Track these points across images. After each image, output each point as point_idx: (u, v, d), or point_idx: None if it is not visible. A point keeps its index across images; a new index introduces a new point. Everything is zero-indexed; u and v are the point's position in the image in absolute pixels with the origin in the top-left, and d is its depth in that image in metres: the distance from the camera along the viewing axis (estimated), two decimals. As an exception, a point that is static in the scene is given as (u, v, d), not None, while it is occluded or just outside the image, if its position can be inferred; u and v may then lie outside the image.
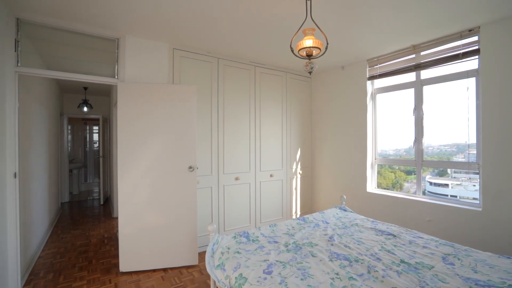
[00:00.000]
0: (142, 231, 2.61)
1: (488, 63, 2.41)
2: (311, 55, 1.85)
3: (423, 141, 2.99)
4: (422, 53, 2.91)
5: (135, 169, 2.60)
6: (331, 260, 1.65)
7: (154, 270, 2.64)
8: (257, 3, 2.07)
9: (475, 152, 2.60)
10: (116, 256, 2.91)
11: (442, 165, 2.95)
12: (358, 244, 1.91)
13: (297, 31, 1.90)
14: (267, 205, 3.74)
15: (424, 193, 3.03)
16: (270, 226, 2.31)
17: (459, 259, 1.65)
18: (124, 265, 2.57)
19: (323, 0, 2.02)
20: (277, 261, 1.65)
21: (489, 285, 1.34)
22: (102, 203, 5.44)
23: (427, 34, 2.64)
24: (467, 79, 2.63)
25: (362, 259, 1.65)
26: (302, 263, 1.62)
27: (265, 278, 1.45)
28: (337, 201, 3.76)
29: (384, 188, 3.48)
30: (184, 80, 3.01)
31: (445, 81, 2.81)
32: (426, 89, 2.97)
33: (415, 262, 1.63)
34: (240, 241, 1.97)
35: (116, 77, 2.73)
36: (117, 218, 4.12)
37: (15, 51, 2.25)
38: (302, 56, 1.90)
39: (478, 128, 2.54)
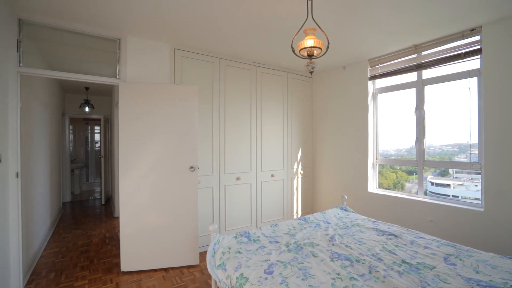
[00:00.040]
0: (144, 231, 2.62)
1: (490, 63, 2.40)
2: (312, 55, 1.85)
3: (424, 141, 2.98)
4: (423, 53, 2.90)
5: (136, 169, 2.60)
6: (332, 260, 1.65)
7: (155, 270, 2.64)
8: (257, 3, 2.07)
9: (477, 152, 2.59)
10: (118, 255, 2.92)
11: (444, 165, 2.94)
12: (359, 244, 1.91)
13: (298, 31, 1.90)
14: (268, 205, 3.74)
15: (425, 193, 3.02)
16: (271, 226, 2.31)
17: (461, 260, 1.65)
18: (126, 264, 2.58)
19: (324, 0, 2.02)
20: (278, 261, 1.65)
21: (491, 286, 1.33)
22: (103, 203, 5.46)
23: (429, 34, 2.63)
24: (468, 79, 2.63)
25: (363, 259, 1.65)
26: (303, 263, 1.62)
27: (266, 278, 1.45)
28: (338, 201, 3.75)
29: (386, 188, 3.47)
30: (185, 80, 3.02)
31: (447, 81, 2.80)
32: (428, 89, 2.96)
33: (417, 262, 1.62)
34: (241, 241, 1.97)
35: (117, 77, 2.73)
36: (118, 218, 4.15)
37: (17, 52, 2.26)
38: (303, 56, 1.90)
39: (480, 128, 2.53)
